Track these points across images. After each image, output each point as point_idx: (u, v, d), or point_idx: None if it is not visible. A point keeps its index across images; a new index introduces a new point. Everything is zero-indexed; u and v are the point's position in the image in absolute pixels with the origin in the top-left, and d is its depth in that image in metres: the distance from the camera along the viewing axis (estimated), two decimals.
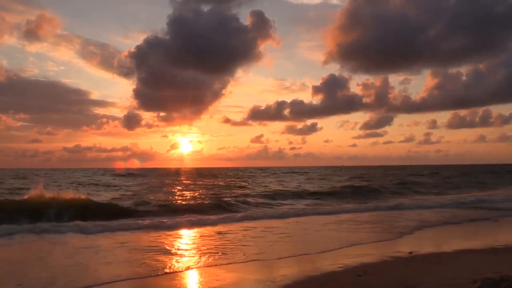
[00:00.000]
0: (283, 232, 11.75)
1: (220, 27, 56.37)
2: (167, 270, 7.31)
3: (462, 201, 21.26)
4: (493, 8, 54.06)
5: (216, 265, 7.74)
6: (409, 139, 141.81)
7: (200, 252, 8.90)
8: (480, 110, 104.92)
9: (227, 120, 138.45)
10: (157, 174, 67.57)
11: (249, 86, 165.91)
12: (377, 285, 5.81)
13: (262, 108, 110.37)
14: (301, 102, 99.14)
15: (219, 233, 11.71)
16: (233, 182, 39.99)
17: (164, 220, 13.72)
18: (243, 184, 36.95)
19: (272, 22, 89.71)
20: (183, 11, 60.55)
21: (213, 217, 14.82)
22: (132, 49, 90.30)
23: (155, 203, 18.26)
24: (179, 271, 7.28)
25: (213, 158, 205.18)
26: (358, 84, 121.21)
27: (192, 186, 35.65)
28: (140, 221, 13.61)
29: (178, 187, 33.63)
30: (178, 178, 51.70)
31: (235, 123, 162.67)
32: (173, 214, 15.63)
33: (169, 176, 61.08)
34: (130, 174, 58.88)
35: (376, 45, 59.24)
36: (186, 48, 58.54)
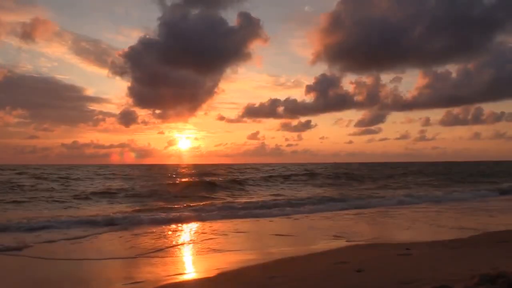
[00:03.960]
0: None
1: (211, 27, 57.23)
2: None
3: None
4: (475, 9, 54.96)
5: None
6: (404, 136, 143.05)
7: None
8: (472, 108, 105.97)
9: (222, 117, 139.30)
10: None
11: (244, 83, 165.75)
12: (373, 280, 5.80)
13: (256, 106, 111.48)
14: (294, 101, 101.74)
15: None
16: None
17: None
18: None
19: (261, 21, 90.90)
20: (173, 13, 61.10)
21: None
22: (126, 49, 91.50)
23: None
24: None
25: (211, 155, 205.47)
26: (351, 82, 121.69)
27: None
28: None
29: None
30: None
31: (230, 120, 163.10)
32: None
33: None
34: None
35: (363, 46, 60.13)
36: (178, 48, 59.47)
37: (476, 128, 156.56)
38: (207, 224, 13.60)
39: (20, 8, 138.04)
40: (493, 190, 26.63)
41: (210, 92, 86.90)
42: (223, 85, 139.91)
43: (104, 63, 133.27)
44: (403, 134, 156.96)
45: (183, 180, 37.43)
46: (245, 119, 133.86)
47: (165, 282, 6.76)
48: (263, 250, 9.51)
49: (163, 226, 13.18)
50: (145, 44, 63.36)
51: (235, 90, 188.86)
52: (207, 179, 36.39)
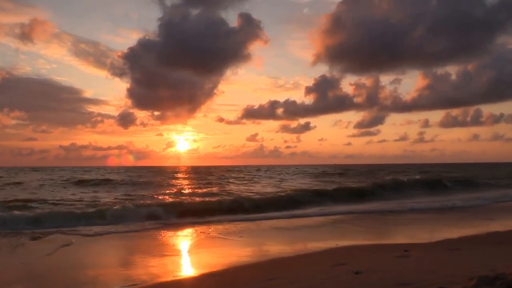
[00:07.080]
0: None
1: (211, 28, 57.11)
2: None
3: None
4: (476, 10, 55.16)
5: None
6: (403, 138, 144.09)
7: None
8: (471, 110, 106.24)
9: (221, 119, 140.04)
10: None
11: (243, 84, 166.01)
12: (372, 282, 5.79)
13: (256, 107, 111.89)
14: (294, 102, 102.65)
15: None
16: None
17: None
18: None
19: (262, 22, 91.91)
20: (173, 14, 61.09)
21: None
22: (125, 50, 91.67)
23: None
24: None
25: (210, 157, 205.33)
26: (351, 84, 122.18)
27: None
28: None
29: None
30: None
31: (229, 122, 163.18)
32: None
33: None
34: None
35: (363, 47, 60.37)
36: (177, 49, 59.44)
37: (475, 129, 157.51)
38: None
39: (18, 9, 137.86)
40: None
41: (209, 94, 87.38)
42: (222, 86, 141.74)
43: (103, 65, 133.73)
44: (402, 136, 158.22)
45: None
46: (244, 120, 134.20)
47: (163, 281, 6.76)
48: (261, 251, 9.50)
49: None
50: (144, 45, 63.40)
51: (234, 92, 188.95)
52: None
